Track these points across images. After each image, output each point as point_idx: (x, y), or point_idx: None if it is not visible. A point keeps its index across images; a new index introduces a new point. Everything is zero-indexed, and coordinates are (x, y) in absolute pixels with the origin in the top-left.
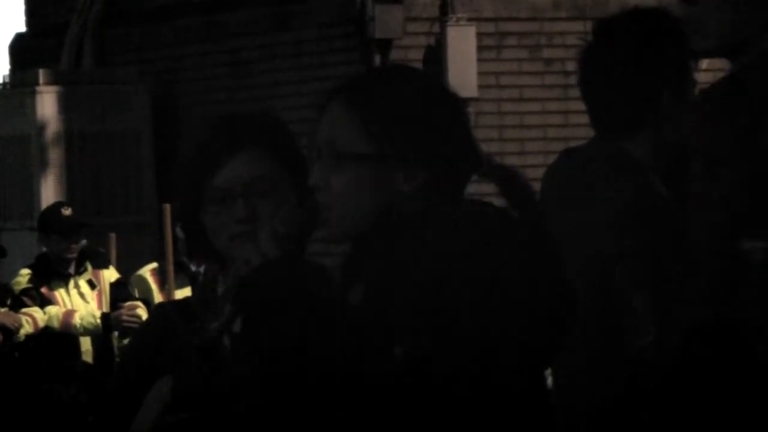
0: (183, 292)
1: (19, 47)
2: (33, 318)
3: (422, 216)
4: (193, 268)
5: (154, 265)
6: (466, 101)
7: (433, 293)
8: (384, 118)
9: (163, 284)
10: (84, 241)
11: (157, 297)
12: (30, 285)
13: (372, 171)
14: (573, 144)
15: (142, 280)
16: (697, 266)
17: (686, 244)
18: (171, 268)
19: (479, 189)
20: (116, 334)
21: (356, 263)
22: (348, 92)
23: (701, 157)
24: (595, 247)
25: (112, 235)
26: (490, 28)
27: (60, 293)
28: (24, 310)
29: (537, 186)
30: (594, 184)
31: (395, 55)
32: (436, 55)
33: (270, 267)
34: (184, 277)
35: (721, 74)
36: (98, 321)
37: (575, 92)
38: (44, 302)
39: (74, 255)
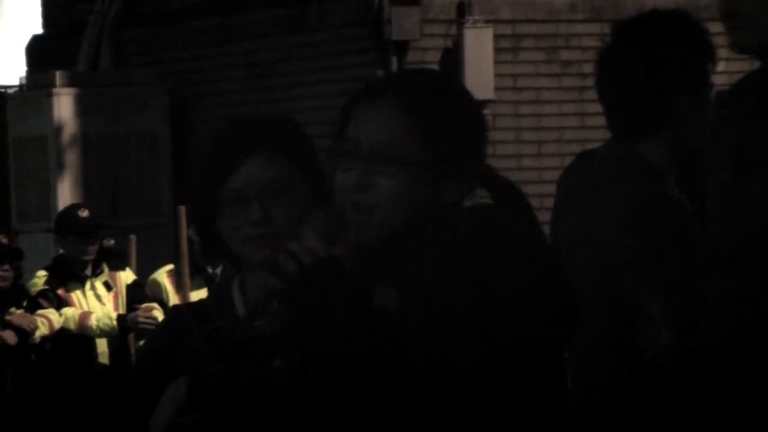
0: (199, 294)
1: (36, 49)
2: (49, 320)
3: (452, 219)
4: (210, 270)
5: (171, 266)
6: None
7: (474, 294)
8: (441, 126)
9: (179, 286)
10: (112, 242)
11: (173, 299)
12: (46, 287)
13: (422, 178)
14: (590, 146)
15: (159, 282)
16: (728, 269)
17: (702, 246)
18: (186, 269)
19: None
20: (132, 335)
21: (383, 265)
22: (399, 94)
23: (733, 158)
24: (604, 249)
25: (133, 237)
26: (507, 30)
27: (76, 295)
28: (40, 311)
29: (554, 188)
30: (604, 186)
31: (412, 57)
32: (453, 57)
33: (324, 266)
34: (200, 278)
35: (737, 76)
36: (114, 323)
37: (592, 94)
38: (61, 304)
39: (91, 257)
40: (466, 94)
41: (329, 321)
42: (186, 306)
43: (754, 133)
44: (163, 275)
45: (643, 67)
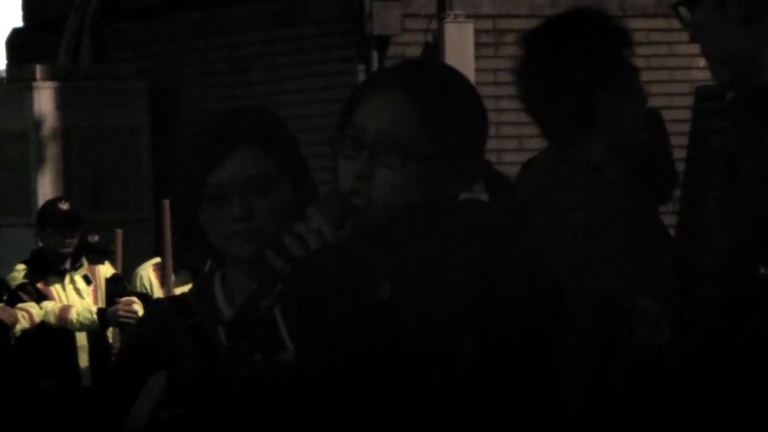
0: (185, 289)
1: (16, 42)
2: (29, 313)
3: (448, 213)
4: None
5: (157, 260)
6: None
7: (468, 287)
8: (446, 119)
9: (165, 280)
10: (96, 237)
11: (158, 292)
12: (26, 280)
13: (424, 170)
14: None
15: (144, 276)
16: (707, 277)
17: (684, 256)
18: (170, 263)
19: None
20: (112, 329)
21: (378, 256)
22: (407, 85)
23: (725, 171)
24: (578, 256)
25: (119, 231)
26: (488, 25)
27: (56, 288)
28: (20, 305)
29: None
30: (555, 193)
31: (393, 51)
32: (434, 52)
33: (332, 252)
34: (186, 273)
35: None
36: (94, 316)
37: None
38: (40, 297)
39: (69, 250)
40: (471, 89)
41: (334, 307)
42: (167, 300)
43: (752, 149)
44: (149, 269)
45: (558, 71)
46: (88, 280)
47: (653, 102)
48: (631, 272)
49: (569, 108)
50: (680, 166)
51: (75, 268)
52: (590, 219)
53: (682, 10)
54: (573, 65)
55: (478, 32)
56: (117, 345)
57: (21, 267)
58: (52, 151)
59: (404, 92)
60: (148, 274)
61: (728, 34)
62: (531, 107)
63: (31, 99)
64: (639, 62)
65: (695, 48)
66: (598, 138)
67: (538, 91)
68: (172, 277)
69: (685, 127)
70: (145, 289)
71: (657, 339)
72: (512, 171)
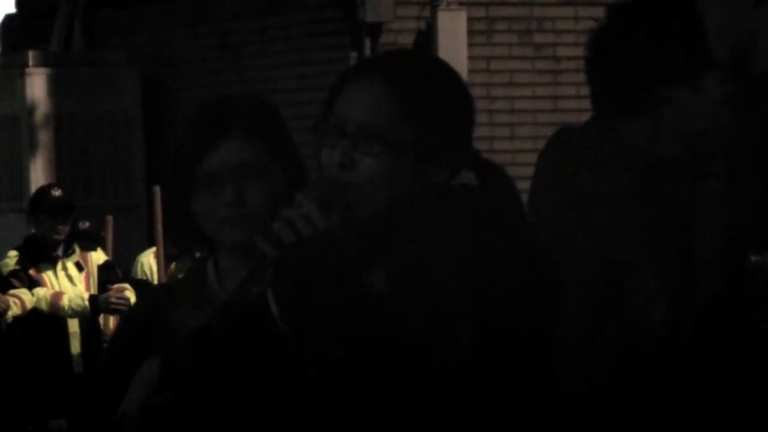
0: None
1: (8, 28)
2: (21, 300)
3: (444, 203)
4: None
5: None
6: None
7: (463, 274)
8: (426, 108)
9: (159, 266)
10: (87, 224)
11: (158, 280)
12: (18, 267)
13: (405, 159)
14: None
15: (146, 262)
16: (706, 270)
17: (683, 233)
18: (161, 251)
19: None
20: (104, 316)
21: (369, 245)
22: (386, 74)
23: (733, 154)
24: (592, 229)
25: (110, 218)
26: (480, 12)
27: (48, 275)
28: (12, 291)
29: (527, 170)
30: (589, 168)
31: (385, 39)
32: (427, 39)
33: (322, 239)
34: (186, 260)
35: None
36: (86, 303)
37: (565, 77)
38: (32, 284)
39: (62, 236)
40: (456, 77)
41: (325, 294)
42: (160, 287)
43: (751, 142)
44: (149, 255)
45: (636, 50)
46: (80, 266)
47: None
48: (634, 264)
49: (634, 86)
50: None
51: (67, 254)
52: (607, 201)
53: None
54: (653, 48)
55: (471, 20)
56: (108, 332)
57: (13, 253)
58: (44, 137)
59: (384, 81)
60: (149, 260)
61: (735, 18)
62: (594, 75)
63: (23, 85)
64: None
65: None
66: (649, 123)
67: (608, 61)
68: (171, 265)
69: None
70: (146, 275)
71: (652, 316)
72: (504, 158)
